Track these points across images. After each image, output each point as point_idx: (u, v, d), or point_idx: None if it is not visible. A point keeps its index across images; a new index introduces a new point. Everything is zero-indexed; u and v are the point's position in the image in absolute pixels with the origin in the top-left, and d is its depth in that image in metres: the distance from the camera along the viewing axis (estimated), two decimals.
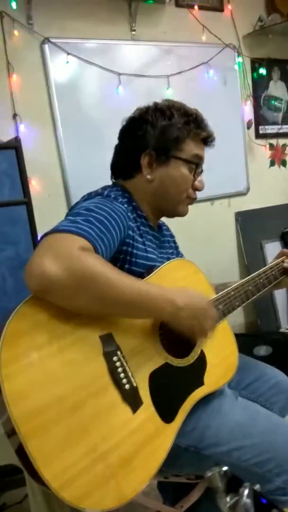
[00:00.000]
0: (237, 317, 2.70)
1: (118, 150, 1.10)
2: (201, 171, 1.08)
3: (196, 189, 1.07)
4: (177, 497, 1.12)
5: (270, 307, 2.70)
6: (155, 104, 1.06)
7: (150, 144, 1.02)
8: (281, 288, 1.23)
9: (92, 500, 0.72)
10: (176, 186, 1.04)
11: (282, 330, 2.67)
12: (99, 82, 2.08)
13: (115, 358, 0.81)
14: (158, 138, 1.01)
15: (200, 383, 0.95)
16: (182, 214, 1.10)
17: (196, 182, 1.06)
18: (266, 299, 2.64)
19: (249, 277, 1.10)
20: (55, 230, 0.79)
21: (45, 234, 0.80)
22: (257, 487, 0.54)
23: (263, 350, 2.21)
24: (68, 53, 1.98)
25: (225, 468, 0.56)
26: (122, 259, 0.95)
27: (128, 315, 0.85)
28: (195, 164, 1.04)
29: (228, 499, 0.56)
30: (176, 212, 1.09)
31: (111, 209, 0.91)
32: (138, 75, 2.17)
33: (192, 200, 1.09)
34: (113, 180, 1.12)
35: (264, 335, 2.46)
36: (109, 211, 0.89)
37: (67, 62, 1.98)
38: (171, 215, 1.11)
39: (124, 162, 1.07)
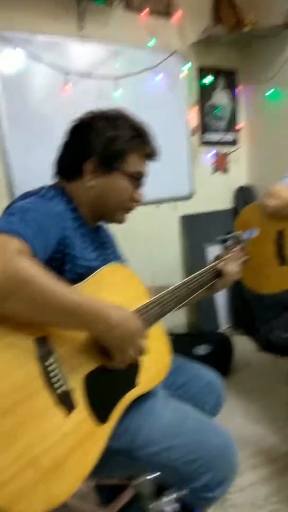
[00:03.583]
0: (180, 317, 2.77)
1: (64, 148, 1.09)
2: (142, 185, 1.10)
3: (135, 200, 1.09)
4: (112, 498, 1.14)
5: (211, 307, 2.80)
6: (104, 112, 1.06)
7: (95, 152, 1.02)
8: (216, 291, 1.28)
9: (22, 506, 0.71)
10: (116, 197, 1.06)
11: (221, 330, 2.77)
12: (46, 77, 2.05)
13: (48, 362, 0.81)
14: (103, 148, 1.02)
15: (134, 384, 0.97)
16: (120, 221, 1.11)
17: (136, 194, 1.08)
18: (207, 301, 2.73)
19: (183, 281, 1.14)
20: None
21: None
22: (184, 491, 0.56)
23: (201, 349, 2.28)
24: (16, 46, 1.93)
25: (153, 476, 0.58)
26: (60, 259, 0.95)
27: (58, 324, 0.84)
28: (136, 179, 1.06)
29: (152, 506, 0.58)
30: (114, 219, 1.10)
31: (46, 209, 0.91)
32: (86, 74, 2.16)
33: (131, 209, 1.11)
34: (55, 180, 1.11)
35: (204, 334, 2.55)
36: (44, 211, 0.89)
37: (15, 53, 1.92)
38: (109, 221, 1.12)
39: (68, 165, 1.07)
